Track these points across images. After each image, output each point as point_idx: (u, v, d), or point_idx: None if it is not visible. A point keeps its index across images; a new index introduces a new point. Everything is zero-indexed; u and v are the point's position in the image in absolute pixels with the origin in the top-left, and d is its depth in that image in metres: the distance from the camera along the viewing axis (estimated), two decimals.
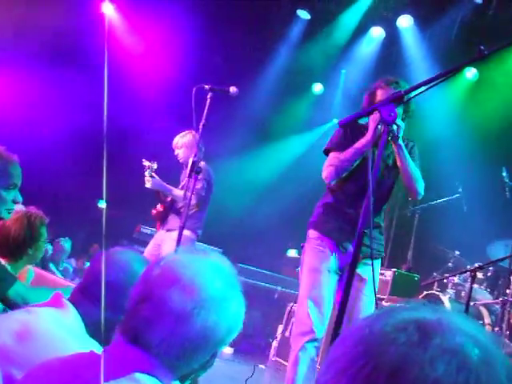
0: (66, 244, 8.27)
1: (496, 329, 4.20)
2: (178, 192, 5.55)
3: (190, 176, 3.87)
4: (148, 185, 5.46)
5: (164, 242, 5.63)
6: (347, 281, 2.17)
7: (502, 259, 4.58)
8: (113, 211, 9.55)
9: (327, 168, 3.54)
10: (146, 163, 5.45)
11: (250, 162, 9.39)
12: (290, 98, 9.48)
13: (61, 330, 1.55)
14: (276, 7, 8.43)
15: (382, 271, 5.82)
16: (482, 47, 2.14)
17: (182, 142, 5.50)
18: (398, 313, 0.69)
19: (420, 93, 2.16)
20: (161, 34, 8.44)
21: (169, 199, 5.70)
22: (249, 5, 8.26)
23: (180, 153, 5.55)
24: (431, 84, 2.15)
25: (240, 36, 8.67)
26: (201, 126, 3.96)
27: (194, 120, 3.98)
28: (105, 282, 1.67)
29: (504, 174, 5.32)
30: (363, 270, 3.33)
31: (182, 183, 5.65)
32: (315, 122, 9.96)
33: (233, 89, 4.08)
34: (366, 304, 3.33)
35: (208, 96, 4.00)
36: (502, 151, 6.59)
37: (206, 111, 3.97)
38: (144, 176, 5.45)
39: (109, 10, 8.64)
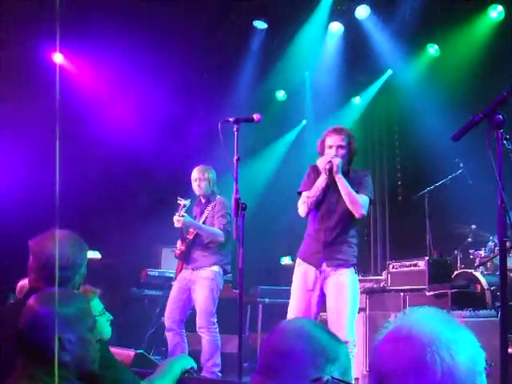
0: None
1: None
2: (210, 227, 5.43)
3: (237, 215, 3.75)
4: (178, 224, 5.32)
5: (193, 282, 5.44)
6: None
7: None
8: (106, 260, 9.20)
9: (300, 206, 4.42)
10: (182, 202, 5.29)
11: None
12: (258, 111, 9.36)
13: None
14: (230, 23, 8.30)
15: (413, 262, 5.78)
16: None
17: (206, 176, 5.40)
18: None
19: None
20: (120, 78, 8.18)
21: (190, 236, 5.52)
22: (201, 26, 8.14)
23: (200, 186, 5.43)
24: None
25: (197, 61, 8.52)
26: (235, 161, 3.85)
27: (226, 154, 3.87)
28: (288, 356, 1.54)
29: (504, 141, 5.38)
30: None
31: (202, 219, 5.49)
32: (286, 127, 9.93)
33: (257, 116, 3.99)
34: None
35: (234, 129, 3.90)
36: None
37: (236, 144, 3.86)
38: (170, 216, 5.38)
39: (60, 60, 8.28)
